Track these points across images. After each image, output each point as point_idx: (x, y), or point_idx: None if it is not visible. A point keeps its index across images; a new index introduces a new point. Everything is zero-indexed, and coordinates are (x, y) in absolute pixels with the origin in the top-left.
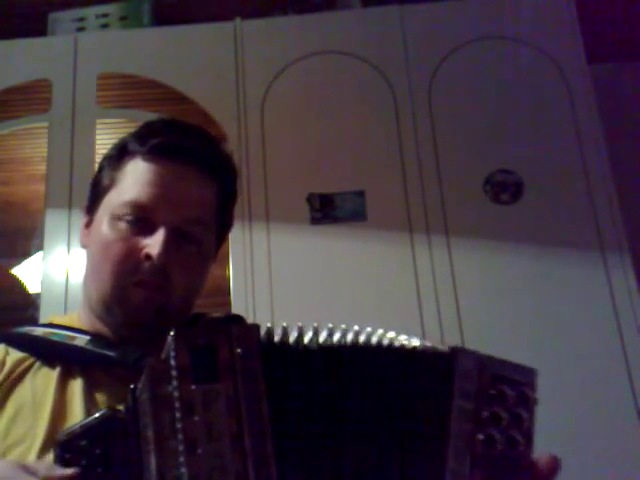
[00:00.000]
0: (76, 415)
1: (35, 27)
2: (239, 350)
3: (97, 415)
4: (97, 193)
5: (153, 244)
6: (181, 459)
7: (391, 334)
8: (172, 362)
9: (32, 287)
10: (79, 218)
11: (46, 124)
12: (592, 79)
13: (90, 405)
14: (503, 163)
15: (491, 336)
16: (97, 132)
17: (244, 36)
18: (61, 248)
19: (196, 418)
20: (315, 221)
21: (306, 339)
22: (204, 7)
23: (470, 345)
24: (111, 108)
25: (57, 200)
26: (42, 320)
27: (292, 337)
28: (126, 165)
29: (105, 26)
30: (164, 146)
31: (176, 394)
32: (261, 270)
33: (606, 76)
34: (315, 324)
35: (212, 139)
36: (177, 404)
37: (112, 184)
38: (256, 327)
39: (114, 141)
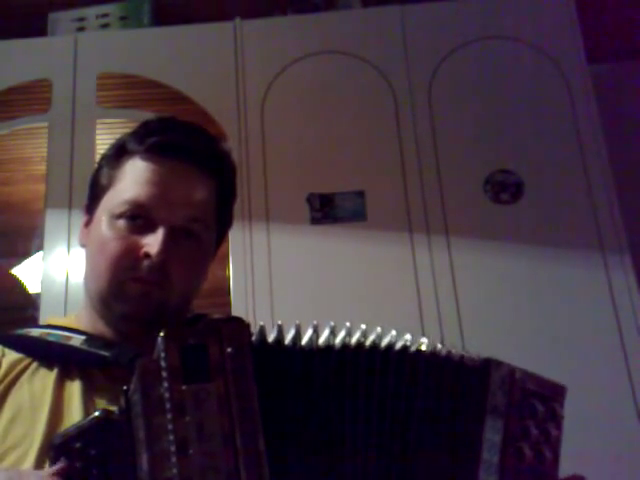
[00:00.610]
0: (74, 417)
1: (35, 27)
2: (230, 349)
3: (91, 417)
4: (96, 192)
5: (152, 243)
6: (173, 460)
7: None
8: (162, 362)
9: (32, 287)
10: (79, 218)
11: (46, 124)
12: (592, 79)
13: (88, 407)
14: (503, 163)
15: (491, 336)
16: (97, 132)
17: (244, 36)
18: (61, 248)
19: (187, 418)
20: (315, 221)
21: (305, 338)
22: (204, 7)
23: (470, 345)
24: (111, 108)
25: (57, 200)
26: (42, 320)
27: (289, 336)
28: (125, 164)
29: (105, 26)
30: (162, 145)
31: (167, 395)
32: (261, 270)
33: (606, 76)
34: (315, 322)
35: (210, 137)
36: (168, 405)
37: (111, 183)
38: (247, 326)
39: (114, 141)
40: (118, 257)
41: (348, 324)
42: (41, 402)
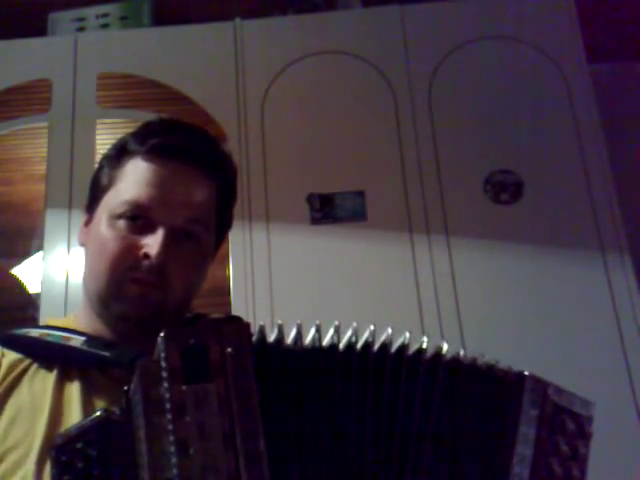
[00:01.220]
0: (74, 418)
1: (35, 27)
2: (230, 349)
3: (92, 417)
4: (96, 192)
5: (152, 244)
6: (173, 460)
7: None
8: (163, 363)
9: (32, 287)
10: (79, 218)
11: (46, 124)
12: (592, 79)
13: (88, 407)
14: (503, 163)
15: (491, 336)
16: (97, 132)
17: (244, 36)
18: (61, 248)
19: (187, 418)
20: (315, 221)
21: (308, 338)
22: (204, 7)
23: (470, 345)
24: (111, 108)
25: (57, 200)
26: (42, 320)
27: (290, 336)
28: (125, 165)
29: (105, 26)
30: (163, 146)
31: (167, 395)
32: (261, 270)
33: (606, 76)
34: (318, 322)
35: (211, 139)
36: (168, 405)
37: (111, 183)
38: (247, 326)
39: (114, 141)
40: (117, 257)
41: (355, 324)
42: (41, 403)
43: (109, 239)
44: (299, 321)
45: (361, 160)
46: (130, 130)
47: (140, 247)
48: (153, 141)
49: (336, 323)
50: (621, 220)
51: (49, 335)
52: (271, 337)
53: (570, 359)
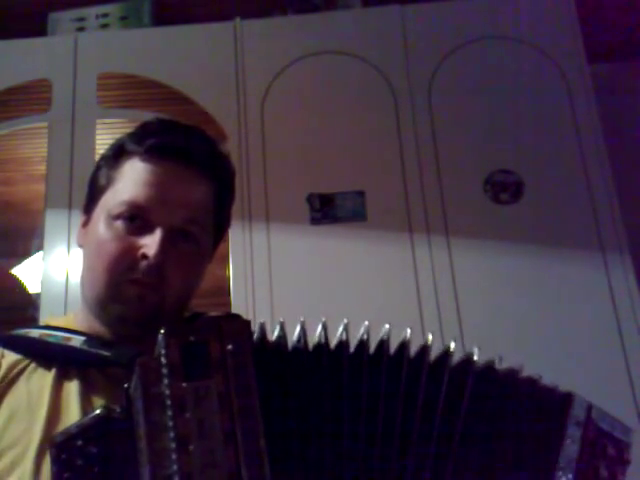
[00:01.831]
0: (72, 416)
1: (35, 27)
2: (230, 346)
3: (93, 414)
4: (94, 192)
5: (150, 244)
6: (173, 457)
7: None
8: (163, 360)
9: (32, 287)
10: (79, 218)
11: (46, 124)
12: (592, 79)
13: (87, 406)
14: (503, 163)
15: (491, 336)
16: (97, 132)
17: (244, 36)
18: (61, 248)
19: (187, 415)
20: (315, 221)
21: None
22: (204, 7)
23: (470, 345)
24: (111, 108)
25: (57, 200)
26: (42, 320)
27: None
28: (123, 165)
29: (105, 26)
30: (161, 146)
31: (167, 392)
32: (261, 270)
33: (606, 76)
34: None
35: (209, 139)
36: (168, 402)
37: (109, 184)
38: (247, 323)
39: (113, 141)
40: (115, 258)
41: (367, 323)
42: (39, 401)
43: (107, 240)
44: (302, 318)
45: (361, 160)
46: (130, 130)
47: (138, 248)
48: (151, 141)
49: (345, 321)
50: (621, 220)
51: (49, 336)
52: (272, 335)
53: (570, 359)
